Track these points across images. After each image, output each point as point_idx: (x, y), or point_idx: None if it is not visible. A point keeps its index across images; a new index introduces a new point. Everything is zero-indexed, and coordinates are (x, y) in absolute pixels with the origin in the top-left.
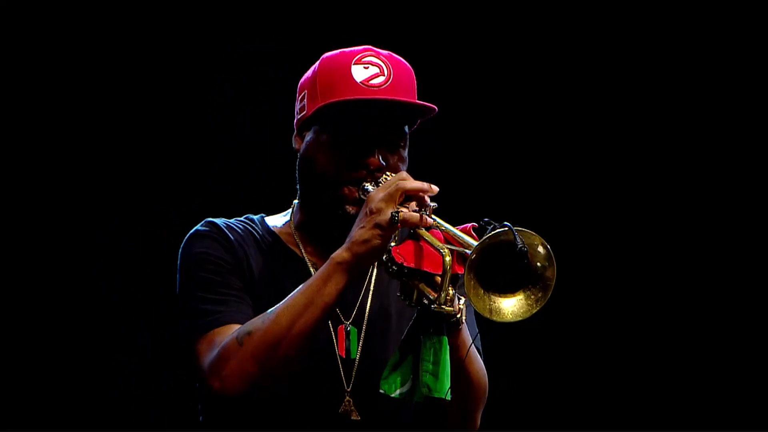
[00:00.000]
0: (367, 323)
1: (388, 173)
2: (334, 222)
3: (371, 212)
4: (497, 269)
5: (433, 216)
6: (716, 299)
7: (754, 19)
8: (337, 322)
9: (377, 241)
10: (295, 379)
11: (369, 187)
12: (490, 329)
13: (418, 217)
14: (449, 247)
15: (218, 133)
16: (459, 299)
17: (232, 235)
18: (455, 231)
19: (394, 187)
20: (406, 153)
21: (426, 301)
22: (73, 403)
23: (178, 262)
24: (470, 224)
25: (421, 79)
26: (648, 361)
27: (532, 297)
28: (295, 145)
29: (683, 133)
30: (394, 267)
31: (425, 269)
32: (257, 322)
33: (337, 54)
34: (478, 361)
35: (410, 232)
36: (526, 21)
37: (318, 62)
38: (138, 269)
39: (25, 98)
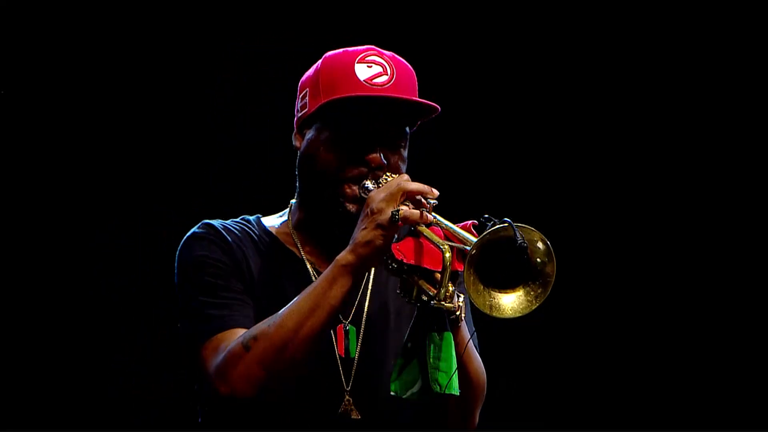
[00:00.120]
0: (365, 322)
1: (389, 173)
2: (334, 220)
3: (372, 212)
4: (497, 265)
5: (433, 213)
6: (716, 297)
7: (754, 19)
8: (336, 322)
9: (380, 242)
10: (295, 380)
11: (370, 185)
12: (489, 327)
13: (419, 214)
14: (449, 243)
15: (218, 133)
16: (458, 296)
17: (230, 237)
18: (455, 228)
19: (395, 187)
20: (406, 153)
21: (425, 298)
22: (73, 403)
23: (176, 264)
24: (470, 222)
25: (421, 79)
26: (648, 360)
27: (532, 293)
28: (295, 143)
29: (683, 131)
30: (393, 264)
31: (425, 266)
32: (263, 327)
33: (340, 53)
34: (477, 359)
35: (410, 229)
36: (526, 21)
37: (320, 61)
38: (138, 269)
39: (26, 98)
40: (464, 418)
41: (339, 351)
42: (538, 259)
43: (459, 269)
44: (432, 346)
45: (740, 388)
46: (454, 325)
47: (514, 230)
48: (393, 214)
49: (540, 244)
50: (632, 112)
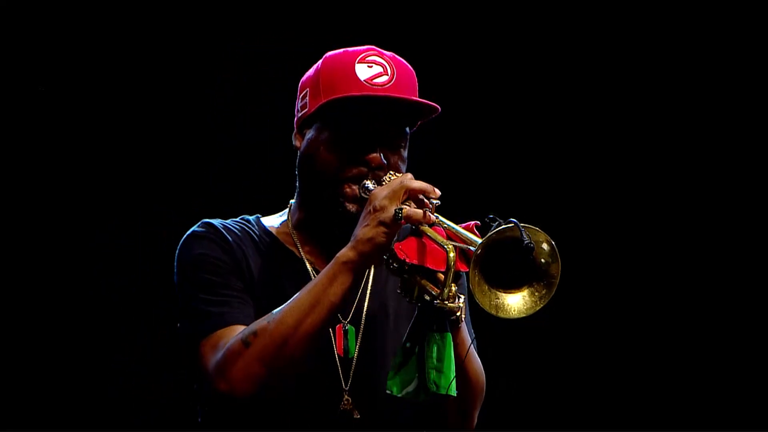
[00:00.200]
0: (365, 322)
1: (391, 173)
2: (334, 220)
3: (375, 210)
4: (502, 265)
5: (435, 213)
6: (718, 299)
7: (754, 19)
8: (335, 321)
9: (382, 239)
10: (294, 378)
11: (370, 185)
12: (489, 328)
13: (422, 214)
14: (453, 243)
15: (218, 133)
16: (459, 297)
17: (230, 236)
18: (457, 228)
19: (399, 185)
20: (406, 153)
21: (428, 298)
22: (74, 403)
23: (176, 263)
24: (473, 222)
25: (421, 79)
26: (649, 361)
27: (537, 293)
28: (295, 143)
29: (683, 131)
30: (395, 264)
31: (428, 266)
32: (263, 323)
33: (340, 53)
34: (476, 360)
35: (412, 228)
36: (526, 21)
37: (321, 60)
38: (138, 269)
39: (26, 99)
40: (463, 419)
41: (338, 351)
42: (543, 260)
43: (462, 269)
44: (432, 346)
45: (740, 389)
46: (454, 326)
47: (521, 231)
48: (396, 212)
49: (545, 245)
50: (633, 112)
